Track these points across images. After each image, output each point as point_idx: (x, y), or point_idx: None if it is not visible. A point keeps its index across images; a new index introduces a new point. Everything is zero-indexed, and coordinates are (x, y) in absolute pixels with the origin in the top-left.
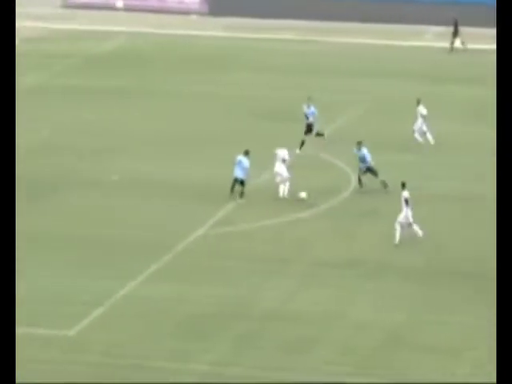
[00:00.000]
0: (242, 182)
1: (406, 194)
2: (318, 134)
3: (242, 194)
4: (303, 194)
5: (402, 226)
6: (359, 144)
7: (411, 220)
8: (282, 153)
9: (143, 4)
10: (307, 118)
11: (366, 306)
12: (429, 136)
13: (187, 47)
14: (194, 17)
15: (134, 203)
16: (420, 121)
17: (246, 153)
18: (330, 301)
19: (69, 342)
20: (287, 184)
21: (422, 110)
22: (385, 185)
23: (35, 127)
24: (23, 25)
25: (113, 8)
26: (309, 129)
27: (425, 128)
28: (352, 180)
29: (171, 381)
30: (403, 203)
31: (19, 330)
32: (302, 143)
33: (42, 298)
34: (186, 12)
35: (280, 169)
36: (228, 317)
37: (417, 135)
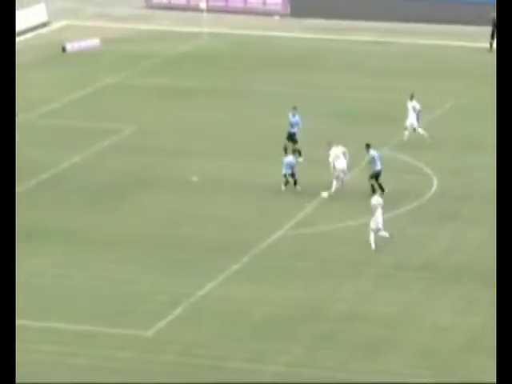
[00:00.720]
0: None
1: (376, 199)
2: (418, 133)
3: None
4: (325, 194)
5: (374, 231)
6: (368, 147)
7: (380, 226)
8: (341, 150)
9: (226, 5)
10: (291, 126)
11: (443, 309)
12: (421, 131)
13: (269, 48)
14: (276, 18)
15: (214, 204)
16: (413, 116)
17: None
18: (407, 303)
19: (147, 341)
20: (337, 182)
21: (416, 104)
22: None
23: (117, 127)
24: (106, 25)
25: (196, 9)
26: (290, 137)
27: (416, 123)
28: (434, 182)
29: (247, 381)
30: (372, 208)
31: (98, 329)
32: (285, 149)
33: (121, 298)
34: (268, 13)
35: (344, 165)
36: (304, 318)
37: (420, 130)
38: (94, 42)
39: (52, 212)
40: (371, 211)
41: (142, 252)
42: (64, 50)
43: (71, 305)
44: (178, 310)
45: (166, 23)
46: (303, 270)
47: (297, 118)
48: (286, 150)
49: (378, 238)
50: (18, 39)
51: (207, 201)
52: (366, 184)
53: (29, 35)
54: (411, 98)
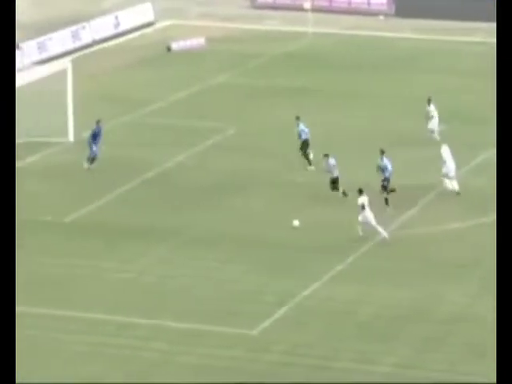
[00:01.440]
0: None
1: (361, 199)
2: None
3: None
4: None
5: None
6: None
7: (374, 223)
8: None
9: (330, 5)
10: (300, 136)
11: None
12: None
13: (374, 48)
14: (380, 18)
15: (317, 205)
16: (436, 120)
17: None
18: None
19: (252, 341)
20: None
21: (433, 109)
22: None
23: (221, 127)
24: (211, 25)
25: (300, 9)
26: (304, 145)
27: (434, 127)
28: None
29: (356, 381)
30: (359, 208)
31: (204, 328)
32: (307, 158)
33: (226, 297)
34: (372, 13)
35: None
36: (410, 319)
37: (435, 135)
38: (199, 41)
39: (156, 211)
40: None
41: (244, 252)
42: (169, 49)
43: (177, 303)
44: (283, 310)
45: (270, 23)
46: (408, 272)
47: (301, 126)
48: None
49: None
50: (123, 39)
51: (310, 202)
52: (474, 186)
53: (135, 35)
54: (428, 102)
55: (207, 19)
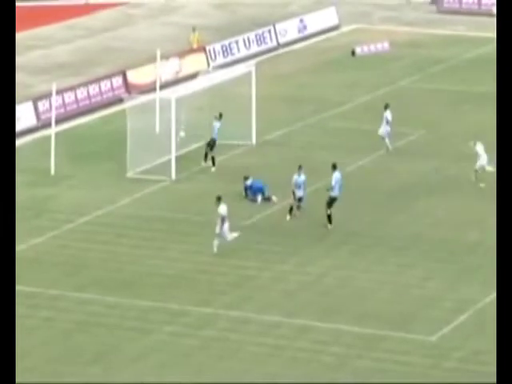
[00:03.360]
0: None
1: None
2: None
3: None
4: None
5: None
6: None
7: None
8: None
9: None
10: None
11: None
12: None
13: None
14: None
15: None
16: (385, 125)
17: None
18: None
19: (430, 347)
20: None
21: (388, 115)
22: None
23: (407, 131)
24: (395, 29)
25: (488, 14)
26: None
27: (385, 133)
28: None
29: None
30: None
31: (381, 333)
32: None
33: (405, 302)
34: None
35: None
36: None
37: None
38: (384, 45)
39: (338, 213)
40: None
41: (427, 256)
42: (353, 53)
43: (356, 307)
44: (464, 317)
45: (456, 28)
46: None
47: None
48: None
49: None
50: (308, 42)
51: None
52: None
53: (319, 38)
54: (386, 107)
55: (391, 23)
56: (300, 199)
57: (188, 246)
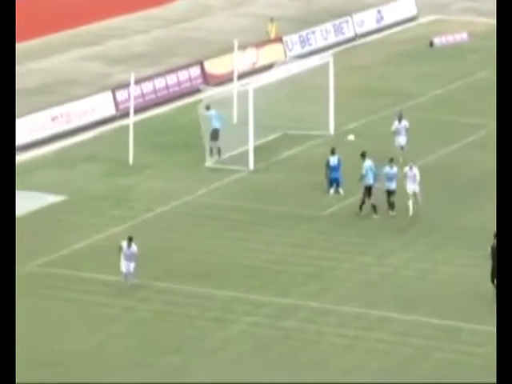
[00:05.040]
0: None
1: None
2: None
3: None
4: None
5: None
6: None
7: None
8: None
9: None
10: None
11: None
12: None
13: None
14: None
15: None
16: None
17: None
18: None
19: None
20: None
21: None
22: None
23: (483, 123)
24: (474, 20)
25: None
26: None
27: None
28: None
29: None
30: None
31: (459, 325)
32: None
33: (480, 296)
34: None
35: None
36: None
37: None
38: (462, 36)
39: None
40: None
41: None
42: (431, 44)
43: (434, 299)
44: None
45: None
46: None
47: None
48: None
49: None
50: (386, 33)
51: None
52: None
53: (397, 29)
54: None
55: (470, 14)
56: (392, 192)
57: (267, 236)
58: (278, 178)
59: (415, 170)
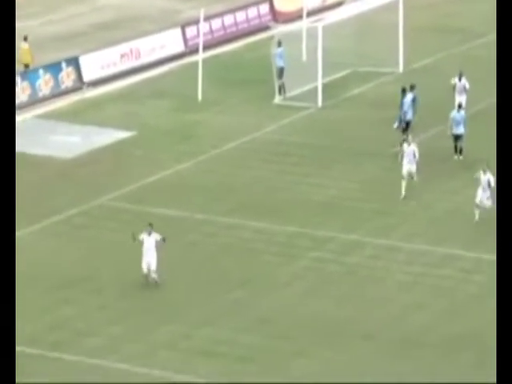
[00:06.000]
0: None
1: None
2: None
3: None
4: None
5: None
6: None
7: None
8: None
9: None
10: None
11: None
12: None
13: None
14: None
15: None
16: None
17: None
18: None
19: None
20: None
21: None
22: None
23: None
24: None
25: None
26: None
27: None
28: None
29: None
30: None
31: None
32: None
33: None
34: None
35: None
36: None
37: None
38: None
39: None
40: None
41: None
42: None
43: None
44: None
45: None
46: None
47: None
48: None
49: None
50: None
51: None
52: None
53: None
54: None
55: None
56: (459, 137)
57: (335, 172)
58: (346, 115)
59: (414, 147)
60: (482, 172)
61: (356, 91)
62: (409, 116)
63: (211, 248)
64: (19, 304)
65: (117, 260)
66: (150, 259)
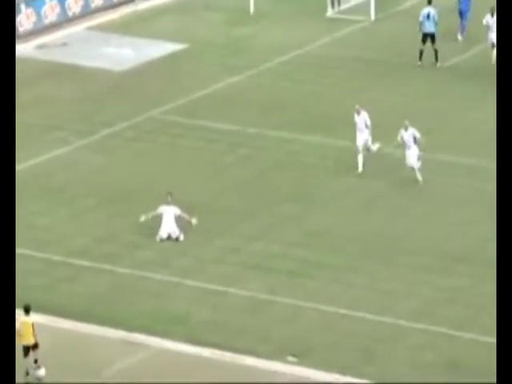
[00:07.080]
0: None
1: None
2: None
3: None
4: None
5: None
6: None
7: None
8: None
9: None
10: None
11: None
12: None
13: None
14: None
15: None
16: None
17: None
18: None
19: None
20: None
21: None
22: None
23: None
24: None
25: None
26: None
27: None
28: None
29: None
30: None
31: None
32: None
33: None
34: None
35: None
36: None
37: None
38: None
39: None
40: None
41: None
42: None
43: None
44: None
45: None
46: None
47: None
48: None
49: None
50: None
51: None
52: None
53: None
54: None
55: None
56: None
57: (386, 86)
58: (398, 28)
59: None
60: (403, 130)
61: (409, 4)
62: (425, 28)
63: (263, 162)
64: (72, 217)
65: (169, 173)
66: (170, 230)
